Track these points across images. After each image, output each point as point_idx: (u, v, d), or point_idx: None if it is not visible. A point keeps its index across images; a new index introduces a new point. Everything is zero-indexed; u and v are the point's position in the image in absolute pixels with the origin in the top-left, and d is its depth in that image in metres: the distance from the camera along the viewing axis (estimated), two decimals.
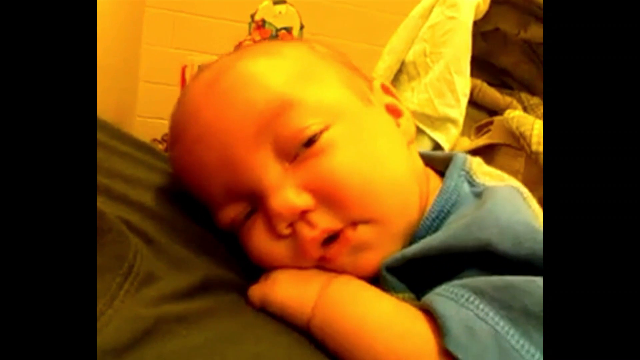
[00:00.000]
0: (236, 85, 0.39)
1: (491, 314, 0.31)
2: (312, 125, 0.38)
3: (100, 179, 0.41)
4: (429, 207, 0.41)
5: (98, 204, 0.38)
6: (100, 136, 0.47)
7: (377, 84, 0.46)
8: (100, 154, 0.44)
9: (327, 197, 0.37)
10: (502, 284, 0.32)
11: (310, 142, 0.38)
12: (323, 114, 0.38)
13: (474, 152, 1.07)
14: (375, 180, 0.38)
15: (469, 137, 1.24)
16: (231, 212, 0.40)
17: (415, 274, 0.38)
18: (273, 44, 0.51)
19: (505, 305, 0.31)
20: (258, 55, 0.43)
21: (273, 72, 0.40)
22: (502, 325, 0.31)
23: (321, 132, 0.38)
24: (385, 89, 0.46)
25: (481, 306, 0.31)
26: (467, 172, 0.42)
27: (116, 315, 0.30)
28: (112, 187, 0.41)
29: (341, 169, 0.37)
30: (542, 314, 0.30)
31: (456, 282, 0.34)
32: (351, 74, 0.44)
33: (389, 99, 0.45)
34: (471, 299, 0.32)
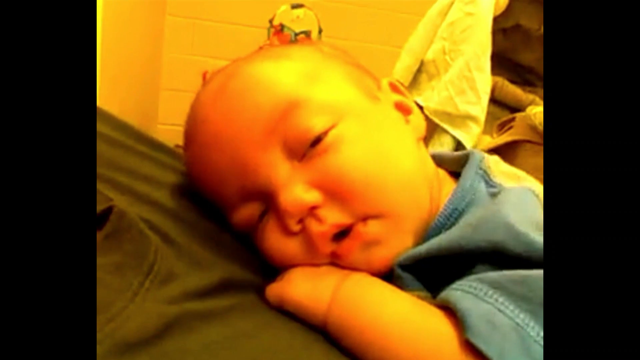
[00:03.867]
0: (244, 89, 0.40)
1: (511, 307, 0.31)
2: (319, 124, 0.38)
3: (123, 179, 0.42)
4: (443, 205, 0.41)
5: (121, 202, 0.38)
6: (121, 137, 0.48)
7: (385, 82, 0.46)
8: (121, 154, 0.45)
9: (335, 192, 0.37)
10: (519, 277, 0.32)
11: (318, 140, 0.38)
12: (330, 113, 0.39)
13: (496, 149, 1.06)
14: (382, 174, 0.38)
15: (491, 135, 1.22)
16: (245, 213, 0.41)
17: (429, 272, 0.37)
18: (280, 47, 0.52)
19: (524, 297, 0.31)
20: (265, 58, 0.43)
21: (279, 74, 0.41)
22: (522, 318, 0.30)
23: (328, 130, 0.38)
24: (394, 87, 0.46)
25: (500, 299, 0.31)
26: (484, 171, 0.42)
27: (138, 311, 0.31)
28: (134, 187, 0.42)
29: (348, 165, 0.38)
30: None
31: (473, 276, 0.34)
32: (358, 73, 0.44)
33: (397, 97, 0.45)
34: (490, 292, 0.32)
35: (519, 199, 0.38)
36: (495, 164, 0.43)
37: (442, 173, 0.45)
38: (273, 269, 0.41)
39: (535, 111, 1.09)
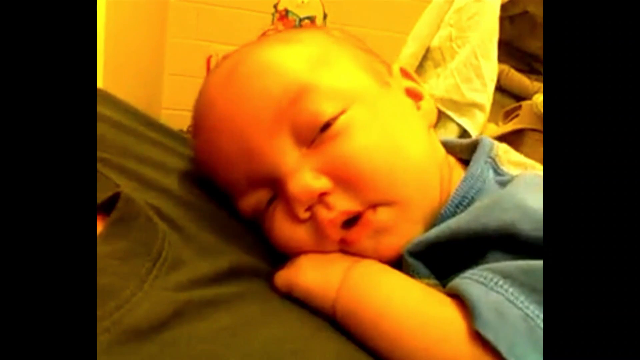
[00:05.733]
0: (252, 74, 0.40)
1: (521, 297, 0.31)
2: (328, 109, 0.38)
3: (131, 165, 0.42)
4: (452, 193, 0.40)
5: (129, 189, 0.38)
6: (130, 123, 0.47)
7: (396, 67, 0.45)
8: (131, 140, 0.45)
9: (344, 179, 0.37)
10: (530, 267, 0.32)
11: (327, 125, 0.38)
12: (339, 98, 0.38)
13: (502, 137, 1.05)
14: (392, 161, 0.38)
15: (497, 123, 1.22)
16: (253, 200, 0.41)
17: (439, 259, 0.37)
18: (289, 31, 0.51)
19: (535, 288, 0.31)
20: (273, 43, 0.43)
21: (288, 59, 0.40)
22: (532, 309, 0.30)
23: (338, 115, 0.38)
24: (405, 73, 0.46)
25: (510, 290, 0.31)
26: (493, 159, 0.42)
27: (146, 298, 0.31)
28: (143, 173, 0.42)
29: (357, 151, 0.37)
30: None
31: (483, 266, 0.33)
32: (369, 58, 0.44)
33: (408, 83, 0.45)
34: (500, 282, 0.31)
35: (529, 183, 0.37)
36: (504, 152, 0.43)
37: (451, 160, 0.44)
38: (281, 256, 0.41)
39: (542, 99, 1.08)
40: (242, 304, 0.35)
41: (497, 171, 0.41)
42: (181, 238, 0.38)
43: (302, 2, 1.87)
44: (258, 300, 0.36)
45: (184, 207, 0.41)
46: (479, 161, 0.41)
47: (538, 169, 0.42)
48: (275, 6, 1.86)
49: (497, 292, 0.31)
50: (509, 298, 0.31)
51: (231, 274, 0.37)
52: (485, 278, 0.32)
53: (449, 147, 0.45)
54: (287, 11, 1.86)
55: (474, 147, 0.44)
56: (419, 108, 0.44)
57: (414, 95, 0.44)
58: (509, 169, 0.41)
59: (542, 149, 0.96)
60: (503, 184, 0.40)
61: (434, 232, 0.37)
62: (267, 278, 0.39)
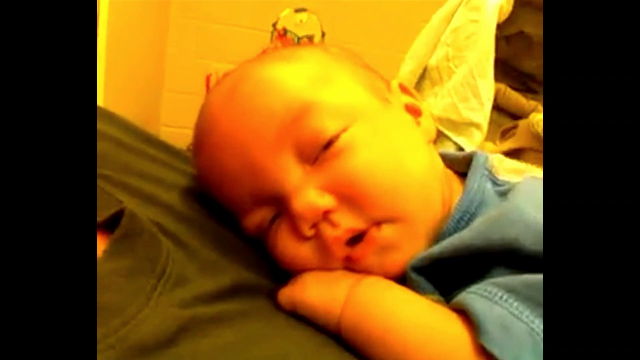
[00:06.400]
0: (254, 92, 0.40)
1: (526, 312, 0.31)
2: (331, 127, 0.38)
3: (133, 182, 0.42)
4: (453, 209, 0.41)
5: (132, 205, 0.39)
6: (130, 140, 0.48)
7: (395, 83, 0.46)
8: (131, 157, 0.45)
9: (348, 197, 0.37)
10: (534, 281, 0.32)
11: (330, 143, 0.38)
12: (341, 116, 0.39)
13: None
14: (395, 178, 0.38)
15: (494, 142, 1.22)
16: (256, 218, 0.41)
17: (442, 275, 0.37)
18: (288, 49, 0.52)
19: (539, 302, 0.31)
20: (274, 61, 0.43)
21: (290, 77, 0.41)
22: (537, 324, 0.30)
23: (340, 133, 0.38)
24: (404, 89, 0.46)
25: (515, 304, 0.31)
26: (489, 171, 0.42)
27: (152, 315, 0.31)
28: (145, 189, 0.42)
29: (361, 169, 0.38)
30: None
31: (488, 280, 0.34)
32: (368, 75, 0.44)
33: (407, 99, 0.45)
34: (505, 297, 0.32)
35: (529, 193, 0.38)
36: (499, 162, 0.43)
37: (449, 173, 0.45)
38: (284, 273, 0.41)
39: (538, 119, 1.09)
40: (245, 321, 0.35)
41: (494, 182, 0.42)
42: (185, 254, 0.38)
43: (301, 21, 1.89)
44: (262, 317, 0.37)
45: (186, 224, 0.41)
46: (475, 175, 0.42)
47: (535, 172, 0.42)
48: (274, 25, 1.88)
49: (502, 306, 0.31)
50: (513, 312, 0.31)
51: (234, 291, 0.37)
52: (489, 292, 0.32)
53: (445, 160, 0.46)
54: (285, 30, 1.88)
55: (469, 160, 0.44)
56: (418, 124, 0.44)
57: (414, 111, 0.45)
58: (507, 177, 0.42)
59: (541, 167, 0.97)
60: (503, 194, 0.40)
61: (438, 248, 0.38)
62: (270, 295, 0.39)
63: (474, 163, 0.43)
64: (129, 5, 1.43)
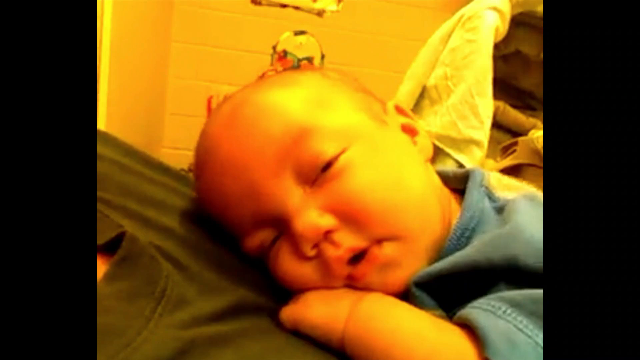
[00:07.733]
0: (254, 117, 0.41)
1: (531, 326, 0.31)
2: (330, 149, 0.39)
3: (133, 204, 0.42)
4: (453, 226, 0.41)
5: (132, 228, 0.39)
6: (131, 163, 0.48)
7: (390, 105, 0.47)
8: (131, 180, 0.46)
9: (348, 216, 0.38)
10: (538, 296, 0.32)
11: (329, 165, 0.39)
12: (339, 138, 0.40)
13: (500, 173, 1.06)
14: (395, 196, 0.39)
15: (494, 159, 1.23)
16: (258, 239, 0.41)
17: (444, 291, 0.38)
18: (287, 74, 0.53)
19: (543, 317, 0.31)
20: (273, 86, 0.44)
21: (289, 102, 0.42)
22: (542, 337, 0.30)
23: (339, 155, 0.39)
24: (399, 110, 0.47)
25: (519, 318, 0.31)
26: (487, 188, 0.43)
27: (152, 336, 0.31)
28: (144, 213, 0.42)
29: (360, 188, 0.38)
30: None
31: (492, 295, 0.34)
32: (365, 97, 0.45)
33: (403, 119, 0.46)
34: (509, 311, 0.32)
35: (528, 211, 0.38)
36: (496, 179, 0.44)
37: (446, 191, 0.45)
38: (285, 292, 0.41)
39: (537, 135, 1.10)
40: (246, 341, 0.35)
41: (491, 198, 0.42)
42: (184, 277, 0.38)
43: (300, 43, 1.91)
44: (262, 337, 0.36)
45: (185, 246, 0.41)
46: (472, 192, 0.42)
47: (531, 189, 0.43)
48: (274, 47, 1.90)
49: (507, 320, 0.31)
50: (518, 326, 0.31)
51: (234, 311, 0.37)
52: (493, 307, 0.32)
53: (442, 177, 0.46)
54: (285, 52, 1.90)
55: (465, 177, 0.45)
56: (415, 143, 0.45)
57: (410, 131, 0.45)
58: (505, 194, 0.42)
59: (540, 184, 0.97)
60: (500, 210, 0.41)
61: (440, 264, 0.38)
62: (271, 314, 0.39)
63: (470, 179, 0.44)
64: (131, 29, 1.45)
